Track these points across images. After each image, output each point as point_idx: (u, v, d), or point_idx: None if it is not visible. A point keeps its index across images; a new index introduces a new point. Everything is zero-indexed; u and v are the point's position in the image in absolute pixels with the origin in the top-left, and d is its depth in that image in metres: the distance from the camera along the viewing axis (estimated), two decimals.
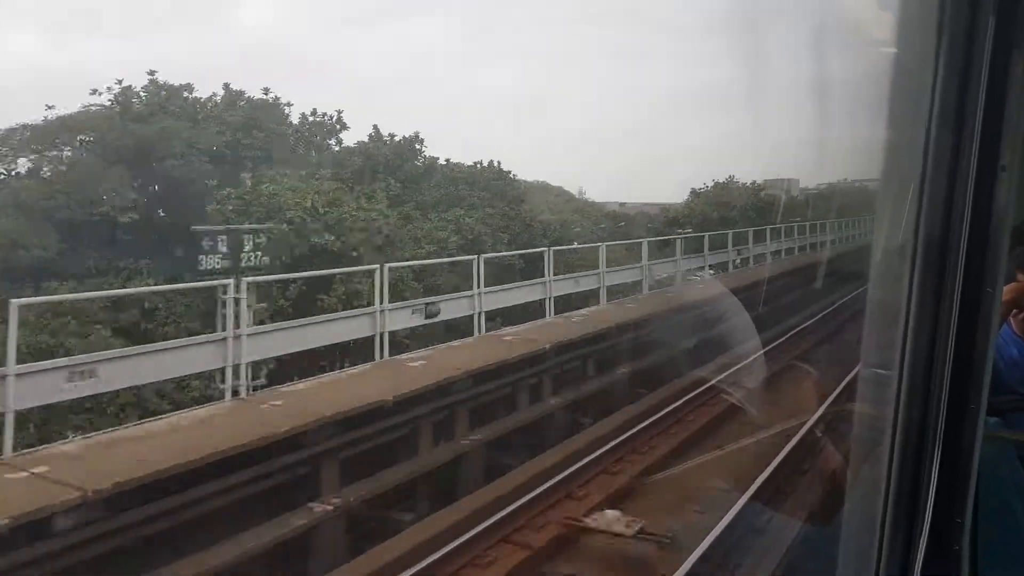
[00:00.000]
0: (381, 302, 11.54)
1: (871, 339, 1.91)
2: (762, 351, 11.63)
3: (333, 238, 16.68)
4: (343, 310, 13.69)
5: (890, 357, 1.58)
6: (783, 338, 16.34)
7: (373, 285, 11.95)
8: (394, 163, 28.64)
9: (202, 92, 27.60)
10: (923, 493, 1.53)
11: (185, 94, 27.07)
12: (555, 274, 16.50)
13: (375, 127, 29.98)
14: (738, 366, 10.57)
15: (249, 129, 26.99)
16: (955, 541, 1.54)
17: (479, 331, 13.80)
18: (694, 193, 59.24)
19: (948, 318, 1.50)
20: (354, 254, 16.71)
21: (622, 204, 63.48)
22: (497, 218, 27.05)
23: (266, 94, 29.58)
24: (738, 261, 28.72)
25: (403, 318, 12.49)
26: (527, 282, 16.83)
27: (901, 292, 1.55)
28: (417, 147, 30.83)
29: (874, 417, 1.77)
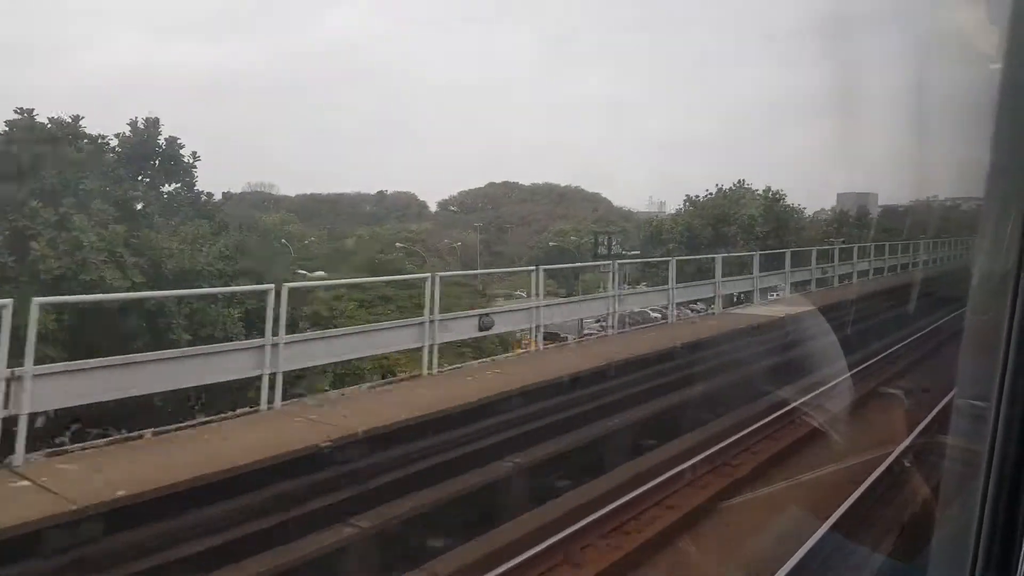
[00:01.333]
0: None
1: (967, 368, 1.83)
2: None
3: None
4: None
5: (987, 388, 1.51)
6: None
7: None
8: None
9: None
10: (1019, 535, 1.44)
11: None
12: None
13: None
14: None
15: None
16: None
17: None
18: (689, 201, 48.21)
19: None
20: None
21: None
22: None
23: None
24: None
25: None
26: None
27: (1002, 320, 1.48)
28: None
29: (967, 451, 1.69)
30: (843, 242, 32.05)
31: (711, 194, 48.51)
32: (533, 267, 12.91)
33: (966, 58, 2.19)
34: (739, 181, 49.13)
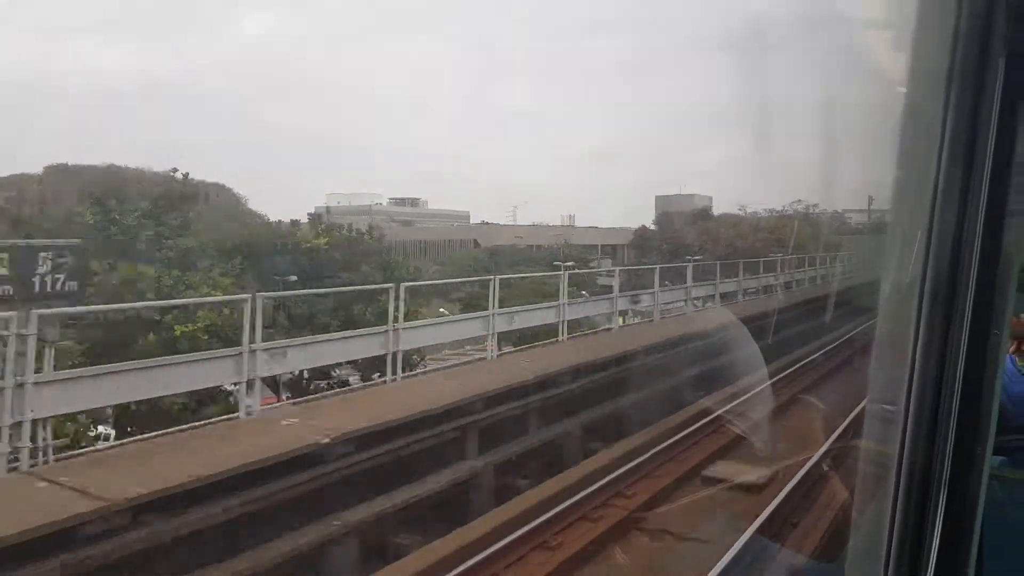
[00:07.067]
0: None
1: (878, 374, 1.91)
2: None
3: None
4: None
5: (897, 393, 1.59)
6: None
7: None
8: None
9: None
10: (928, 534, 1.52)
11: None
12: None
13: None
14: None
15: None
16: None
17: None
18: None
19: (955, 357, 1.50)
20: None
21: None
22: None
23: None
24: None
25: None
26: None
27: (908, 328, 1.56)
28: None
29: (880, 454, 1.77)
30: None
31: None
32: None
33: (875, 79, 2.30)
34: None
